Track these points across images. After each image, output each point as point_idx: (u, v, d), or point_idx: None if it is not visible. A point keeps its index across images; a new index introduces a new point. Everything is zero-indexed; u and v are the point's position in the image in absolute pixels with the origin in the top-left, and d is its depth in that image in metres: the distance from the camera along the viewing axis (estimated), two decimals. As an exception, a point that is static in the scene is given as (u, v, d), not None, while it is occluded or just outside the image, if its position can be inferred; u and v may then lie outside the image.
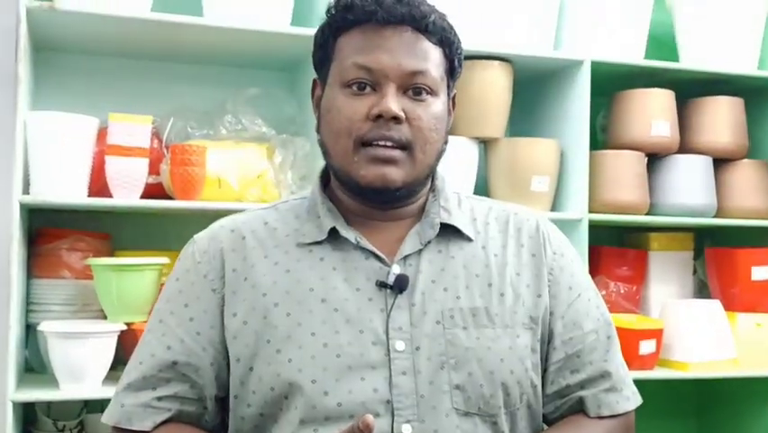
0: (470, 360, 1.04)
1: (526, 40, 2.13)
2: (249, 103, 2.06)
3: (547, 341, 1.12)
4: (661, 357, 2.21)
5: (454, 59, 1.12)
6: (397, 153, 1.05)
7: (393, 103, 1.04)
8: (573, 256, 1.19)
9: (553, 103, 2.25)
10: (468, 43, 2.06)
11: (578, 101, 2.15)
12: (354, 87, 1.06)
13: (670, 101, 2.27)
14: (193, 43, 2.01)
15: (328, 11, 1.11)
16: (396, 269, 1.07)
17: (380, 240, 1.10)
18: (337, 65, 1.09)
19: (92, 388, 1.78)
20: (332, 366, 1.02)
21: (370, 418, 0.91)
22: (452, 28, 1.11)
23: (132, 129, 1.83)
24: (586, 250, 2.11)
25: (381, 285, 1.06)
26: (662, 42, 2.39)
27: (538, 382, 1.11)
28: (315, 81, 1.15)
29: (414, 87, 1.06)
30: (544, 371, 1.12)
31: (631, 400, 1.15)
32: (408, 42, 1.06)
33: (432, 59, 1.08)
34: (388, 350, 1.03)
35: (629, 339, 2.14)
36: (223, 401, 1.11)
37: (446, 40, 1.10)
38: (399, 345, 1.04)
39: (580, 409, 1.13)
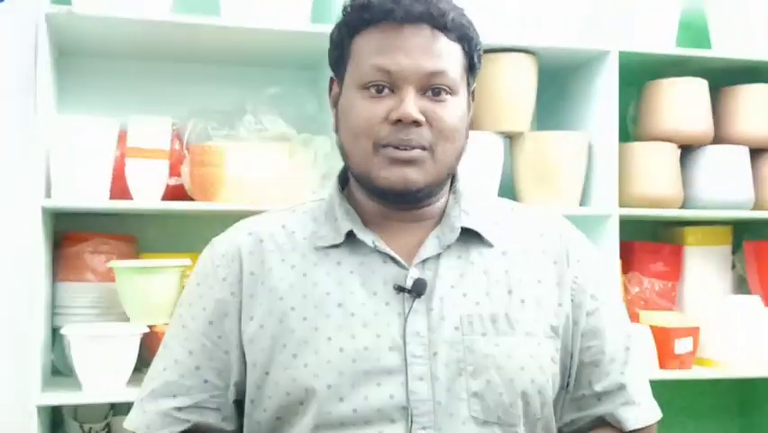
0: (489, 367, 1.02)
1: (551, 31, 2.08)
2: (269, 102, 2.05)
3: (570, 351, 1.10)
4: (698, 356, 2.14)
5: (474, 56, 1.09)
6: (417, 154, 1.03)
7: (412, 107, 1.02)
8: (598, 264, 1.16)
9: (580, 95, 2.19)
10: (491, 36, 2.05)
11: (605, 93, 2.09)
12: (372, 90, 1.04)
13: (702, 90, 2.20)
14: (212, 44, 2.00)
15: (344, 9, 1.09)
16: (414, 273, 1.05)
17: (399, 243, 1.08)
18: (354, 65, 1.06)
19: (115, 390, 1.77)
20: (348, 371, 1.00)
21: None
22: (471, 24, 1.08)
23: (151, 131, 1.84)
24: (617, 246, 2.05)
25: (399, 289, 1.04)
26: (693, 29, 2.31)
27: (554, 394, 1.08)
28: (332, 79, 1.13)
29: (433, 88, 1.04)
30: (566, 381, 1.11)
31: (649, 414, 1.13)
32: (427, 41, 1.04)
33: (451, 57, 1.05)
34: (405, 355, 1.01)
35: (664, 338, 2.08)
36: (240, 405, 1.09)
37: (465, 36, 1.07)
38: (417, 350, 1.01)
39: (598, 425, 1.11)
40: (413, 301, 1.03)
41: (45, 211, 1.79)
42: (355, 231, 1.07)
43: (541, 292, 1.08)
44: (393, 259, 1.06)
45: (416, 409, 0.99)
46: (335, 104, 1.11)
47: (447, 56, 1.05)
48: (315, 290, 1.05)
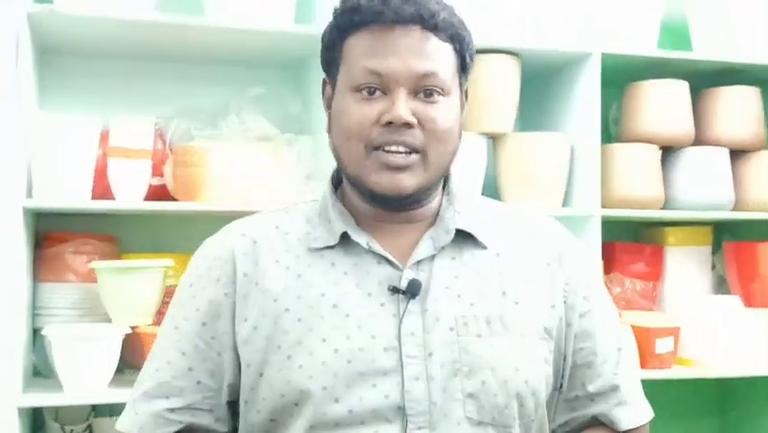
0: (484, 368, 1.02)
1: (534, 32, 2.09)
2: (253, 102, 2.04)
3: (563, 353, 1.10)
4: (678, 356, 2.16)
5: (466, 55, 1.08)
6: (410, 159, 1.03)
7: (403, 109, 1.02)
8: (588, 264, 1.17)
9: (563, 96, 2.20)
10: (474, 37, 2.05)
11: (588, 94, 2.10)
12: (364, 92, 1.04)
13: (683, 92, 2.22)
14: (196, 44, 1.99)
15: (335, 12, 1.08)
16: (408, 274, 1.05)
17: (393, 244, 1.08)
18: (346, 68, 1.06)
19: (97, 392, 1.76)
20: (343, 372, 1.00)
21: None
22: (462, 23, 1.08)
23: (134, 131, 1.83)
24: (599, 247, 2.07)
25: (394, 290, 1.04)
26: (674, 31, 2.34)
27: (547, 395, 1.09)
28: (324, 81, 1.12)
29: (425, 90, 1.03)
30: (559, 382, 1.11)
31: (642, 413, 1.14)
32: (418, 43, 1.03)
33: (442, 58, 1.05)
34: (401, 355, 1.01)
35: (645, 338, 2.10)
36: (234, 406, 1.09)
37: (456, 36, 1.06)
38: (412, 350, 1.01)
39: (592, 425, 1.12)
40: (407, 302, 1.03)
41: (26, 211, 1.77)
42: (349, 232, 1.07)
43: (534, 294, 1.08)
44: (387, 260, 1.06)
45: (411, 409, 0.99)
46: (329, 106, 1.11)
47: (438, 57, 1.04)
48: (310, 291, 1.05)
